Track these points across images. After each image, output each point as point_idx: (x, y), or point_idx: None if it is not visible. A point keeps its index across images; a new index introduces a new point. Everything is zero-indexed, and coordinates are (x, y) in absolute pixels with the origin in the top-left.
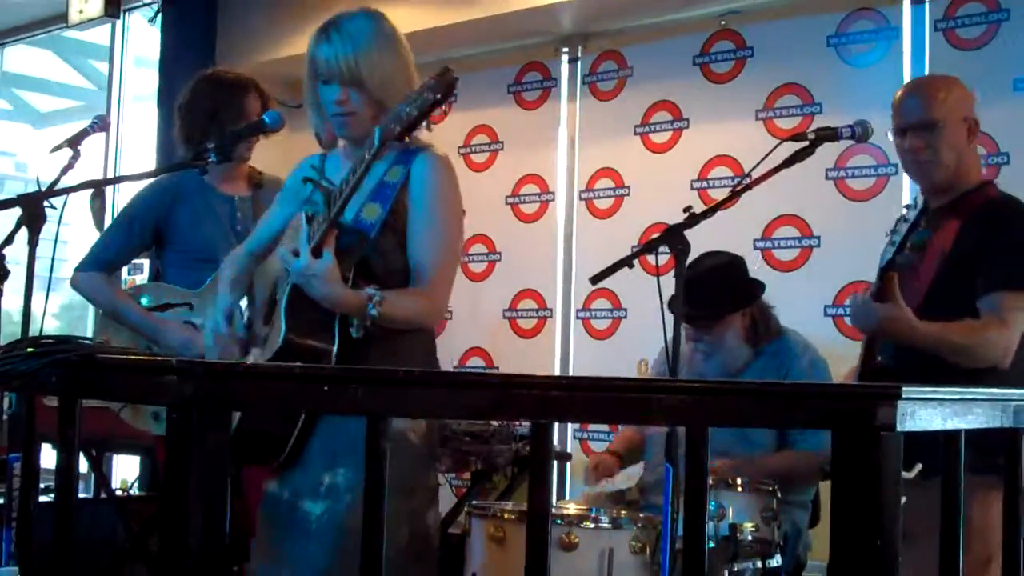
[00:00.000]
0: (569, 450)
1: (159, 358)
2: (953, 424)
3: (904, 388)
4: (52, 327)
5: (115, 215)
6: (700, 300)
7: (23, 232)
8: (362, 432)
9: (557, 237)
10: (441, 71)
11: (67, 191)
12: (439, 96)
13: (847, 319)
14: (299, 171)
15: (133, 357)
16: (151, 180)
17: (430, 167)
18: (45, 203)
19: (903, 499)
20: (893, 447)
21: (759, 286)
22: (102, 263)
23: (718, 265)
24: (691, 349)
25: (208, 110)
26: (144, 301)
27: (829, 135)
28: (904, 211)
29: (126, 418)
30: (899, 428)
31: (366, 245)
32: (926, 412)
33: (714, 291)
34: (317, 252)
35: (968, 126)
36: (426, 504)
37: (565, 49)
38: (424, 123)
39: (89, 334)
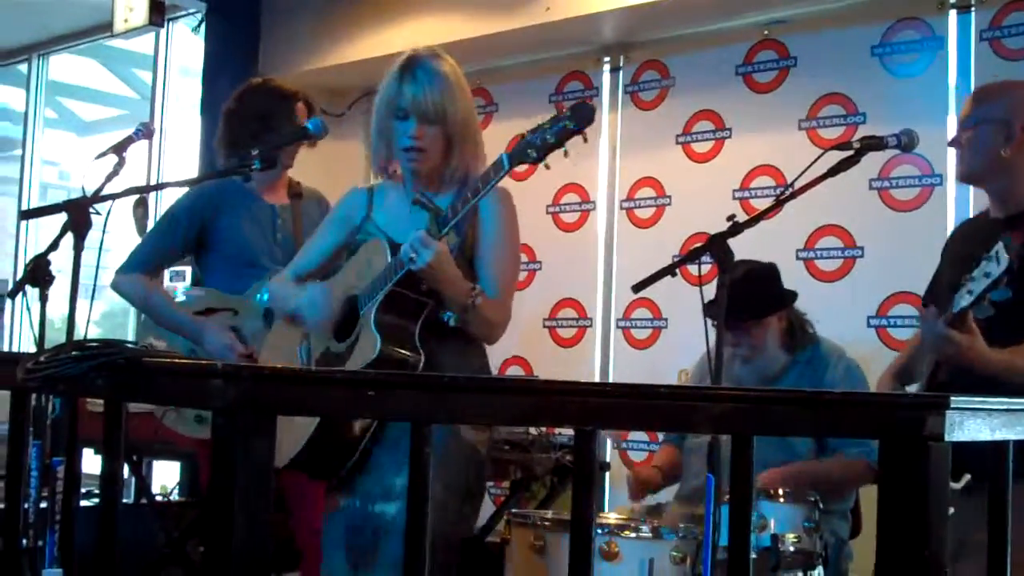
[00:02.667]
0: (608, 460)
1: (205, 362)
2: (1001, 435)
3: (952, 398)
4: (94, 334)
5: (157, 221)
6: (740, 302)
7: (68, 238)
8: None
9: (598, 246)
10: (579, 102)
11: (112, 197)
12: (578, 126)
13: (892, 332)
14: (348, 200)
15: (179, 360)
16: (196, 186)
17: (498, 200)
18: (90, 209)
19: (951, 510)
20: (941, 457)
21: (793, 293)
22: (143, 265)
23: (755, 269)
24: (729, 355)
25: (258, 116)
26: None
27: (875, 144)
28: (984, 262)
29: (169, 423)
30: (947, 438)
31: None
32: (974, 422)
33: (753, 294)
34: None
35: None
36: (478, 510)
37: (607, 59)
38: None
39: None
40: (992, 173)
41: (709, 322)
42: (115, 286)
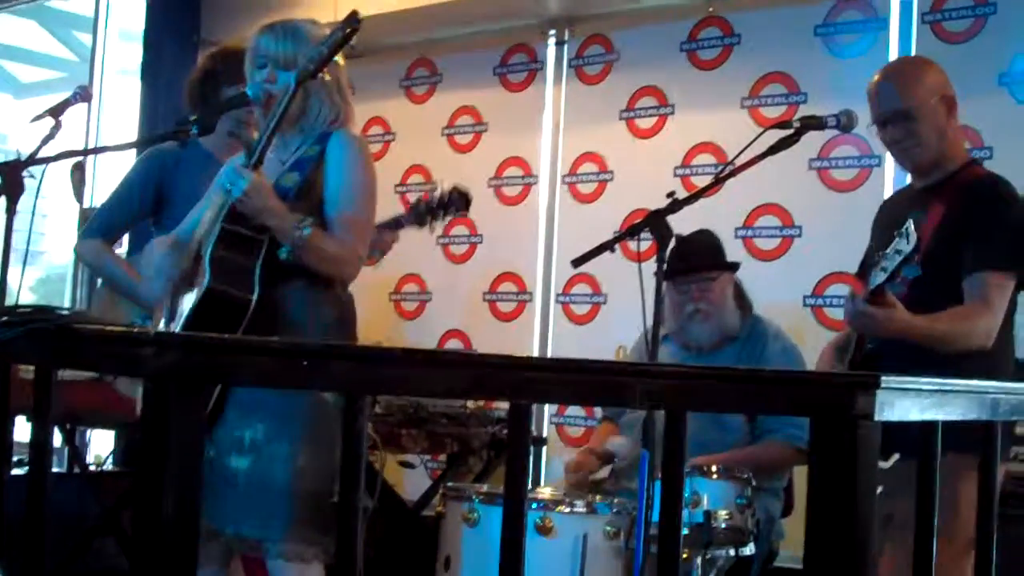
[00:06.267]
0: (545, 435)
1: (136, 329)
2: (931, 415)
3: (883, 378)
4: (28, 301)
5: (116, 185)
6: (701, 258)
7: (0, 202)
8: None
9: (539, 221)
10: (349, 14)
11: (48, 160)
12: (345, 35)
13: (827, 311)
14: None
15: (110, 328)
16: (152, 148)
17: (342, 141)
18: (25, 173)
19: (879, 488)
20: (871, 436)
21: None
22: (100, 230)
23: (705, 231)
24: (688, 313)
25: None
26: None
27: (814, 124)
28: (896, 240)
29: (121, 389)
30: (877, 417)
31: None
32: (904, 402)
33: (712, 250)
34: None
35: (946, 104)
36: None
37: (552, 32)
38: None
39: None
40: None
41: (648, 300)
42: (75, 251)
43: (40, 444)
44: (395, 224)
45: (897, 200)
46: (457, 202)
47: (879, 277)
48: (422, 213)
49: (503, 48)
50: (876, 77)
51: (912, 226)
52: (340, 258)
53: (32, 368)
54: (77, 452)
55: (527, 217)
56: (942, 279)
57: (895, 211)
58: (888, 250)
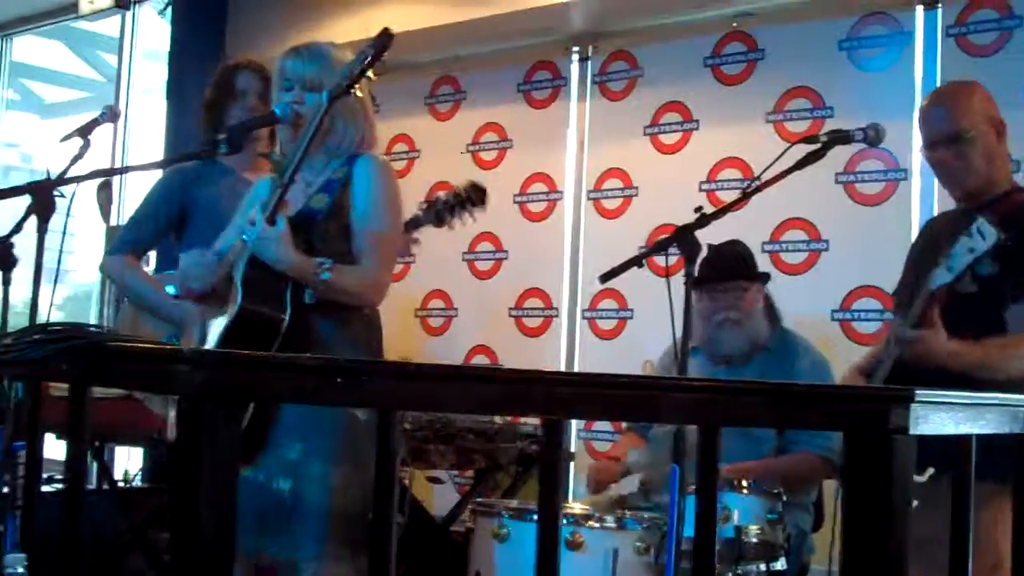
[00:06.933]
0: (573, 450)
1: (170, 346)
2: (965, 429)
3: (917, 391)
4: (56, 319)
5: (140, 202)
6: (730, 267)
7: (32, 221)
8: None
9: (564, 236)
10: (381, 31)
11: (77, 180)
12: (377, 52)
13: (855, 325)
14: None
15: (144, 345)
16: (174, 165)
17: (369, 166)
18: (55, 192)
19: (914, 503)
20: (906, 450)
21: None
22: (126, 246)
23: (736, 242)
24: (717, 321)
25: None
26: (171, 289)
27: (842, 138)
28: (963, 239)
29: (152, 407)
30: (912, 431)
31: (313, 228)
32: (938, 416)
33: (744, 260)
34: (272, 220)
35: (996, 129)
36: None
37: (575, 48)
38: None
39: (98, 326)
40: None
41: (676, 313)
42: (100, 268)
43: (75, 462)
44: (413, 224)
45: (942, 222)
46: (473, 196)
47: (943, 277)
48: (440, 210)
49: (527, 65)
50: (927, 101)
51: (986, 224)
52: (363, 291)
53: (61, 386)
54: (106, 468)
55: (552, 233)
56: (983, 307)
57: (941, 232)
58: (955, 250)
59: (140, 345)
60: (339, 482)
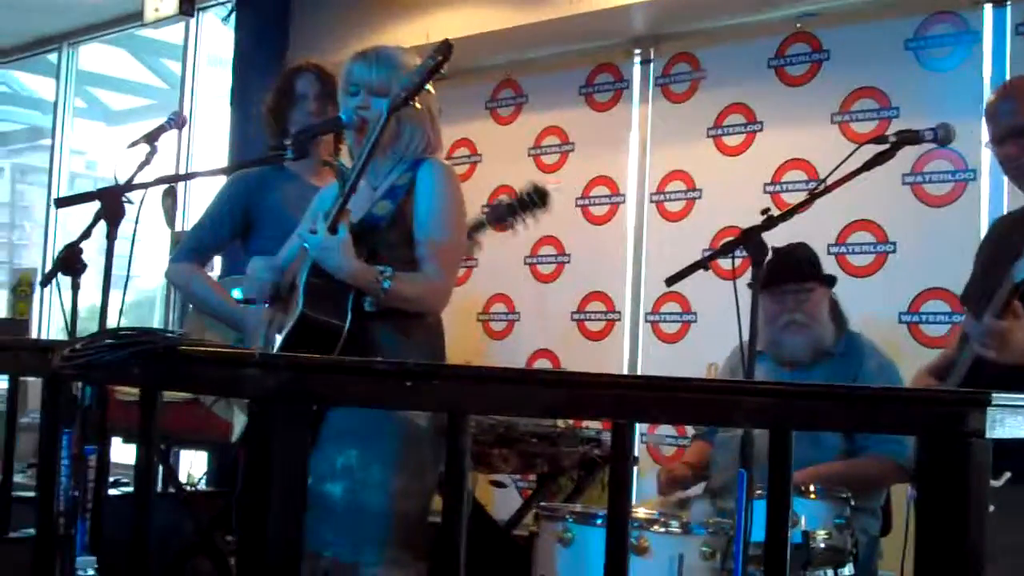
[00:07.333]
0: (636, 454)
1: (242, 351)
2: None
3: (994, 394)
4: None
5: (205, 208)
6: (795, 269)
7: (100, 227)
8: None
9: (627, 240)
10: (441, 42)
11: (145, 186)
12: (438, 62)
13: (924, 328)
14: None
15: (216, 349)
16: (239, 171)
17: (432, 169)
18: (123, 198)
19: (991, 508)
20: (982, 454)
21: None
22: (193, 253)
23: (802, 244)
24: (782, 324)
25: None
26: (236, 293)
27: (911, 138)
28: None
29: (218, 411)
30: (989, 435)
31: (376, 236)
32: (1016, 419)
33: (810, 262)
34: (333, 229)
35: None
36: (429, 486)
37: (637, 51)
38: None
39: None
40: None
41: (743, 316)
42: (166, 274)
43: (145, 465)
44: (475, 228)
45: (1009, 221)
46: (536, 199)
47: None
48: (502, 213)
49: (588, 68)
50: (995, 96)
51: None
52: (425, 298)
53: (127, 390)
54: (172, 472)
55: (615, 236)
56: None
57: (1012, 230)
58: None
59: (212, 349)
60: (399, 487)
